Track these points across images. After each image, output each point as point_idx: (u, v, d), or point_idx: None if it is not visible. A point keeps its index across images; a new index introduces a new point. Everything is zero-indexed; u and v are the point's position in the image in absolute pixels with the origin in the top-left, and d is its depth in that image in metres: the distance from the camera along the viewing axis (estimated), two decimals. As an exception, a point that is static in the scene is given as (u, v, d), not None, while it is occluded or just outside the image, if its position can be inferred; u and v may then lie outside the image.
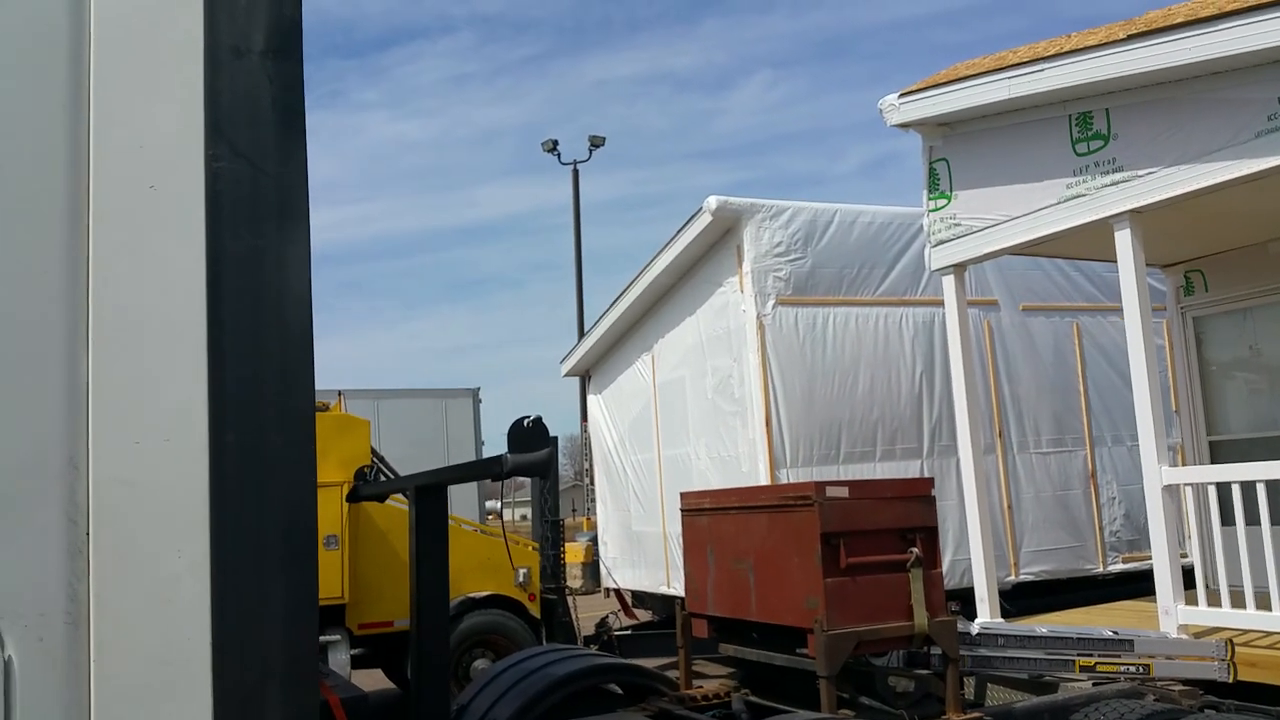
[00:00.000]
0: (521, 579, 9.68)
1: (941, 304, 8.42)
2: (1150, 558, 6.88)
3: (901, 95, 7.94)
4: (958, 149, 7.90)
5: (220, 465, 1.95)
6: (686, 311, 10.91)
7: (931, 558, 4.81)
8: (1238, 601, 6.28)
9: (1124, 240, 6.69)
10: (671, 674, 5.32)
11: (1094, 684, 5.31)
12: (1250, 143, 5.95)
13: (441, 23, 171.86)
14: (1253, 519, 6.09)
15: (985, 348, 10.16)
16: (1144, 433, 6.63)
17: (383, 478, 9.04)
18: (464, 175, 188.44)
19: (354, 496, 8.55)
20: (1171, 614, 6.44)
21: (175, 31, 2.03)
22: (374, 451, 9.20)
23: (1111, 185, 6.73)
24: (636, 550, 12.26)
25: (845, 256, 9.91)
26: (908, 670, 5.26)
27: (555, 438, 13.08)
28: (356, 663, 8.86)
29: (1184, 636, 6.18)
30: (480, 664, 9.06)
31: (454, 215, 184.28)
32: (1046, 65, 6.85)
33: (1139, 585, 8.95)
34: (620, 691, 4.88)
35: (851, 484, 4.89)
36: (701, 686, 5.21)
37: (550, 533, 10.41)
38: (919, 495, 4.94)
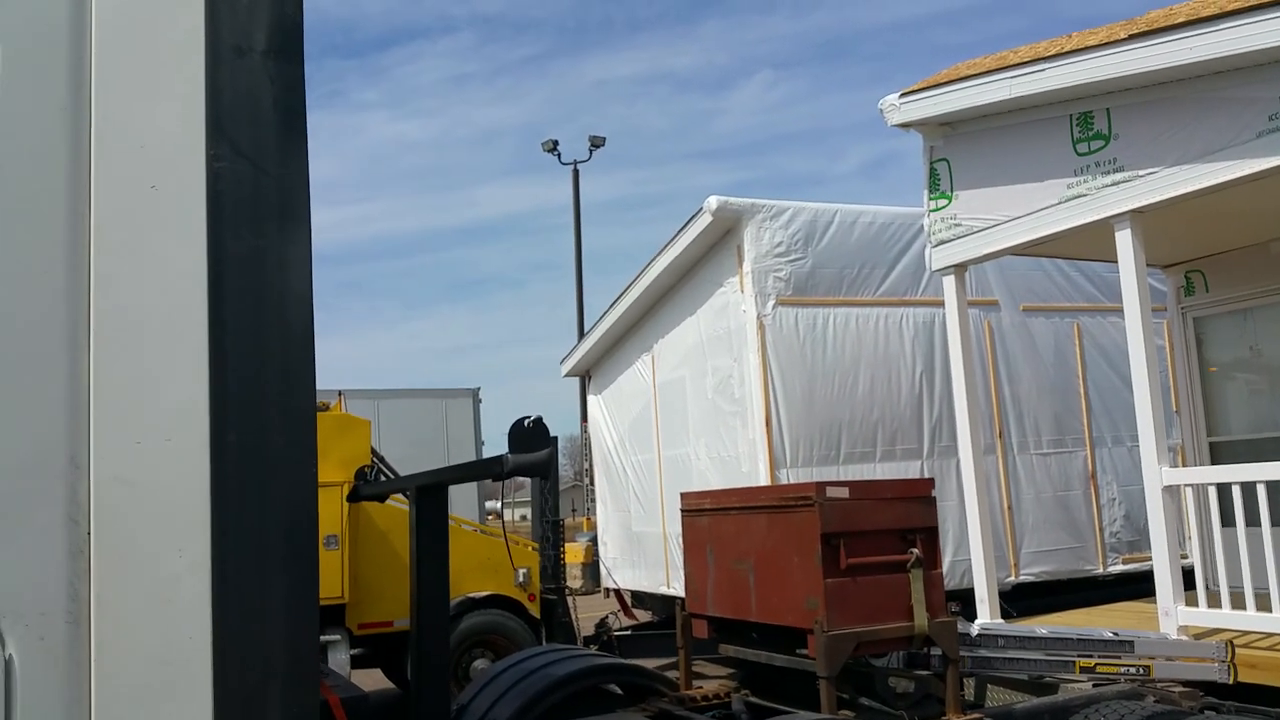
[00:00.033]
0: (521, 579, 9.68)
1: (942, 304, 8.42)
2: (1150, 559, 6.87)
3: (902, 95, 7.93)
4: (958, 149, 7.90)
5: (221, 465, 1.95)
6: (687, 312, 10.91)
7: (932, 558, 4.80)
8: (1238, 603, 6.28)
9: (1124, 240, 6.69)
10: (671, 674, 5.32)
11: (1094, 685, 5.31)
12: (1251, 143, 5.95)
13: (442, 23, 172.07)
14: (1253, 520, 6.09)
15: (986, 348, 10.16)
16: (1144, 433, 6.63)
17: (383, 478, 9.04)
18: (464, 175, 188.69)
19: (354, 496, 8.55)
20: (1172, 615, 6.43)
21: (176, 31, 2.03)
22: (374, 451, 9.20)
23: (1112, 185, 6.73)
24: (636, 550, 12.26)
25: (846, 257, 9.90)
26: (908, 671, 5.26)
27: (555, 438, 13.08)
28: (356, 663, 8.86)
29: (1184, 638, 6.18)
30: (480, 664, 9.06)
31: (454, 215, 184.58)
32: (1048, 65, 6.85)
33: (1139, 586, 8.94)
34: (620, 692, 4.88)
35: (852, 484, 4.88)
36: (701, 687, 5.21)
37: (550, 533, 10.41)
38: (919, 496, 4.93)
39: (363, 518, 8.84)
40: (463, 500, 17.71)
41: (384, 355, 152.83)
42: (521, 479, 4.60)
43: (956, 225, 7.85)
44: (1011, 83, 7.09)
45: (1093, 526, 10.39)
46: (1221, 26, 5.84)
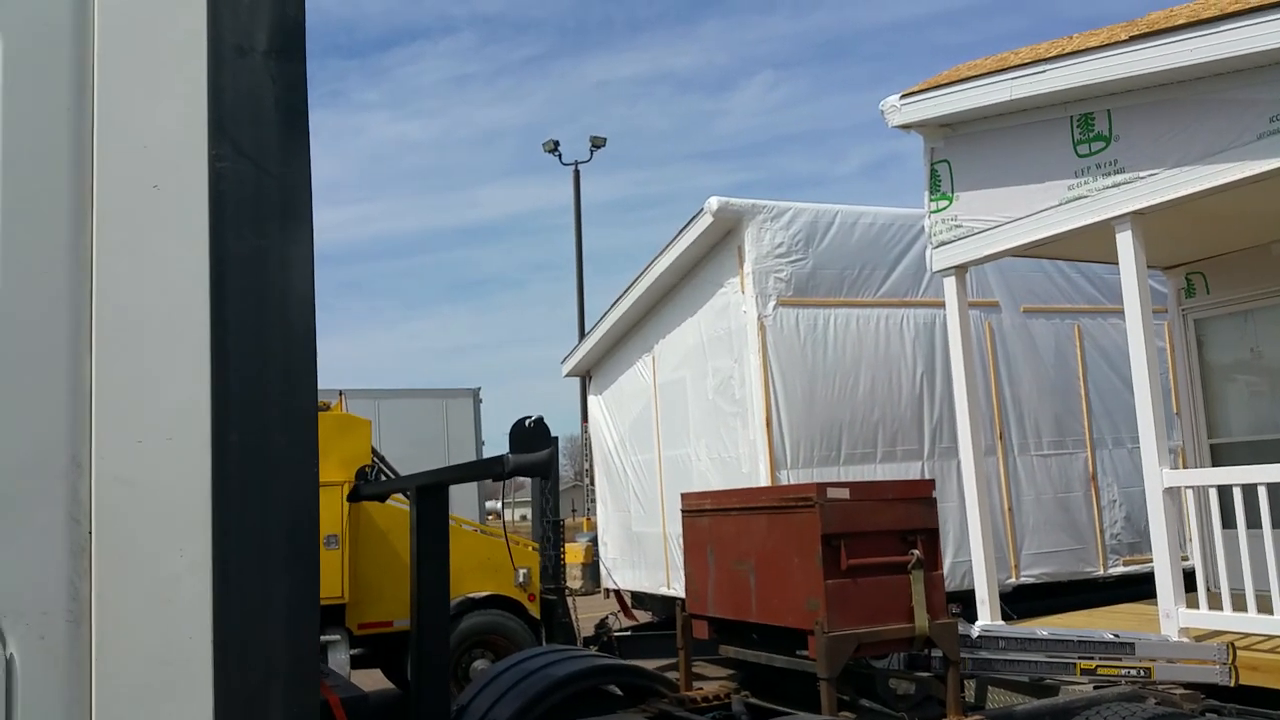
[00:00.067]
0: (521, 579, 9.68)
1: (942, 305, 8.42)
2: (1151, 560, 6.87)
3: (903, 96, 7.93)
4: (959, 150, 7.90)
5: (222, 465, 1.95)
6: (687, 312, 10.91)
7: (932, 560, 4.80)
8: (1239, 605, 6.27)
9: (1125, 242, 6.69)
10: (671, 675, 5.32)
11: (1095, 687, 5.30)
12: (1252, 144, 5.95)
13: (443, 23, 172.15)
14: (1254, 522, 6.08)
15: (986, 349, 10.16)
16: (1145, 435, 6.63)
17: (383, 477, 9.04)
18: (465, 175, 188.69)
19: (355, 496, 8.55)
20: (1172, 617, 6.43)
21: (178, 31, 2.03)
22: (375, 451, 9.20)
23: (1113, 187, 6.73)
24: (636, 551, 12.26)
25: (846, 258, 9.90)
26: (908, 672, 5.26)
27: (556, 438, 13.08)
28: (356, 663, 8.86)
29: (1185, 640, 6.17)
30: (480, 664, 9.05)
31: (455, 215, 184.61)
32: (1048, 66, 6.85)
33: (1140, 588, 8.94)
34: (620, 693, 4.88)
35: (852, 485, 4.87)
36: (701, 688, 5.21)
37: (550, 533, 10.41)
38: (920, 497, 4.93)
39: (363, 518, 8.84)
40: (463, 500, 17.70)
41: (384, 355, 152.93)
42: (522, 479, 4.61)
43: (957, 226, 7.85)
44: (1012, 84, 7.09)
45: (1093, 528, 10.39)
46: (1223, 28, 5.84)
